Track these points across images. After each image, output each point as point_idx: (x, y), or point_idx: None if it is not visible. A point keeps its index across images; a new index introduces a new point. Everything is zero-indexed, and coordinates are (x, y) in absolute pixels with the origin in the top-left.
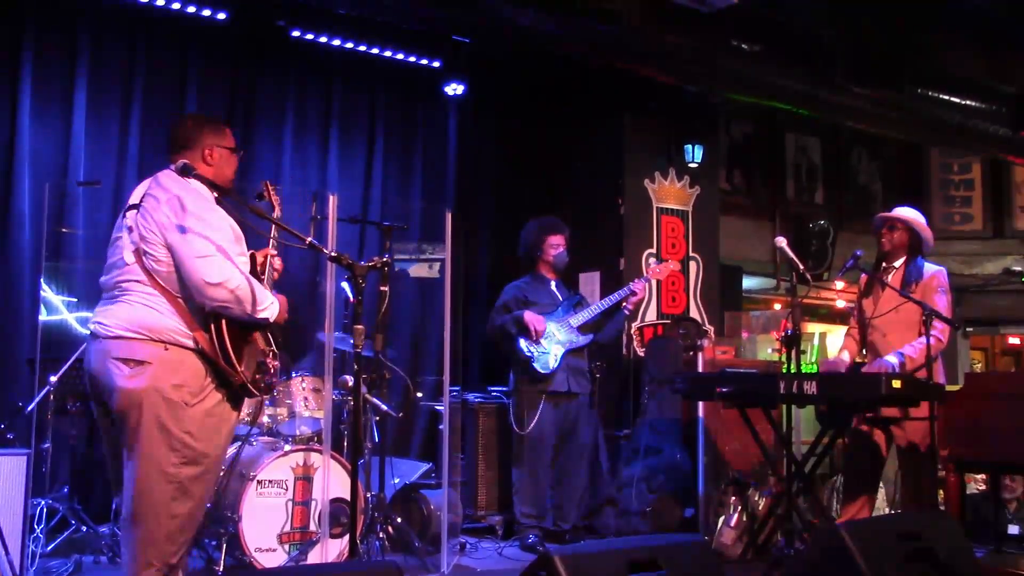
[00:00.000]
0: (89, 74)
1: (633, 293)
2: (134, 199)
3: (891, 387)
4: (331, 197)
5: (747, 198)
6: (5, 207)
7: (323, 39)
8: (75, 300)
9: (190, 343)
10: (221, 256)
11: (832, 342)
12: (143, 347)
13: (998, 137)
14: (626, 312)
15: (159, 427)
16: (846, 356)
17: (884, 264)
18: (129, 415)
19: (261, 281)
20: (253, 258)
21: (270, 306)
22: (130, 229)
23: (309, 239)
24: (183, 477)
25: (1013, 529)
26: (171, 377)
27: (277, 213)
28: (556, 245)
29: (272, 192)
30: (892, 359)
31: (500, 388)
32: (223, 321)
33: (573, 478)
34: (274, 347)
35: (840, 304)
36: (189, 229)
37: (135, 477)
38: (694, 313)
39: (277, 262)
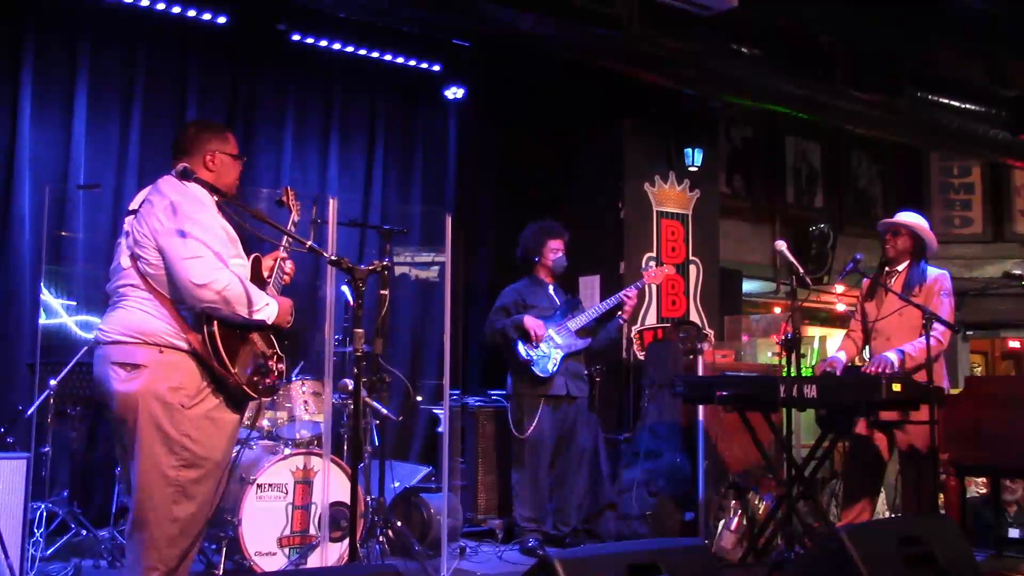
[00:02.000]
0: (89, 77)
1: (628, 297)
2: (134, 205)
3: (891, 390)
4: (331, 201)
5: (747, 202)
6: (5, 211)
7: (323, 43)
8: (75, 304)
9: (184, 345)
10: (210, 257)
11: (832, 346)
12: (139, 351)
13: (998, 141)
14: (621, 321)
15: (156, 430)
16: (842, 356)
17: (887, 268)
18: (127, 419)
19: (266, 285)
20: (257, 261)
21: (265, 308)
22: (127, 234)
23: (309, 243)
24: (183, 480)
25: (1013, 533)
26: (167, 380)
27: (296, 219)
28: (555, 249)
29: (292, 198)
30: (892, 355)
31: (500, 392)
32: (215, 322)
33: (573, 482)
34: (278, 350)
35: (840, 308)
36: (178, 231)
37: (137, 481)
38: (694, 317)
39: (288, 265)
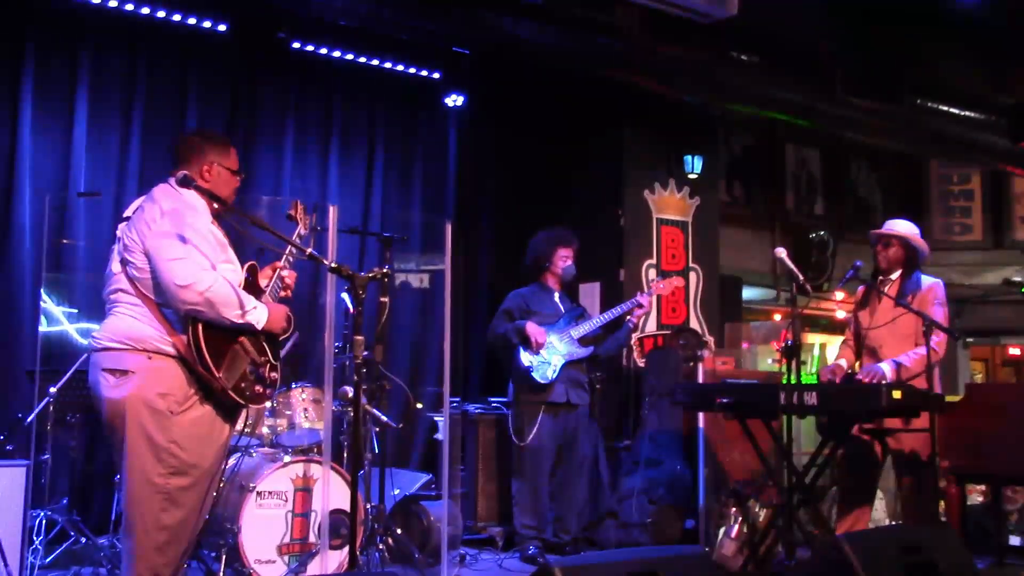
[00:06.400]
0: (90, 86)
1: (639, 306)
2: (128, 212)
3: (891, 398)
4: (331, 208)
5: (747, 209)
6: (6, 218)
7: (323, 50)
8: (75, 311)
9: (171, 350)
10: (195, 259)
11: (832, 353)
12: (128, 357)
13: (997, 148)
14: (631, 325)
15: (144, 437)
16: (843, 363)
17: (881, 277)
18: (115, 426)
19: (262, 293)
20: (254, 269)
21: (253, 311)
22: (119, 240)
23: (309, 250)
24: (171, 488)
25: (1014, 540)
26: (155, 386)
27: (302, 232)
28: (565, 257)
29: (302, 212)
30: (885, 366)
31: (500, 399)
32: (200, 325)
33: (573, 489)
34: (271, 358)
35: (840, 315)
36: (164, 234)
37: (125, 488)
38: (694, 324)
39: (287, 274)
